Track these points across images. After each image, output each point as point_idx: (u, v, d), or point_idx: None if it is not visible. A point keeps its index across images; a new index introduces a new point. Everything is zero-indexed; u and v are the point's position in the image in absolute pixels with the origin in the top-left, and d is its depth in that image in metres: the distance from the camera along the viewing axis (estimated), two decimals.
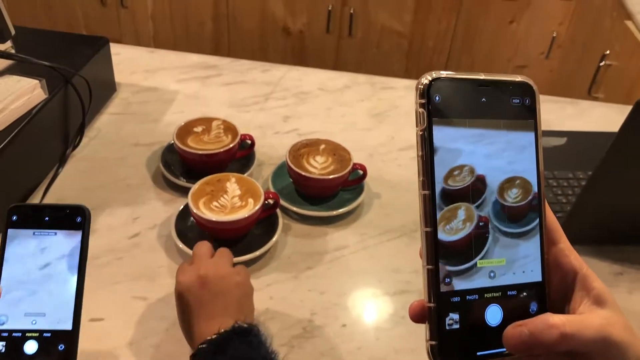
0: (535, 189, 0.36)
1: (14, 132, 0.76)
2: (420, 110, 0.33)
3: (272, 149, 0.94)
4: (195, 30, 2.24)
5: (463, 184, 0.34)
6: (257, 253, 0.73)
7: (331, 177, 0.80)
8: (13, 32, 0.77)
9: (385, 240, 0.80)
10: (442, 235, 0.34)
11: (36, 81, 0.81)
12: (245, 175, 0.79)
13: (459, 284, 0.34)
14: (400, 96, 1.11)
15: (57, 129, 0.87)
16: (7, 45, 0.86)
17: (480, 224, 0.35)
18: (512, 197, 0.36)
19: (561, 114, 1.10)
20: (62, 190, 0.83)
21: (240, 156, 0.88)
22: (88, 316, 0.66)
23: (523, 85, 0.36)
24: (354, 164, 0.82)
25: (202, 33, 2.25)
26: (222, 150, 0.82)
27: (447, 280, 0.34)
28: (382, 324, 0.69)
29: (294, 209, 0.81)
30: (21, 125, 0.77)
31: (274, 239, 0.75)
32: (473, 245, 0.35)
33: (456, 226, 0.34)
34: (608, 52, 1.67)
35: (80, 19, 2.29)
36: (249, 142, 0.89)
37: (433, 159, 0.33)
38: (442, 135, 0.33)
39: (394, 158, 0.95)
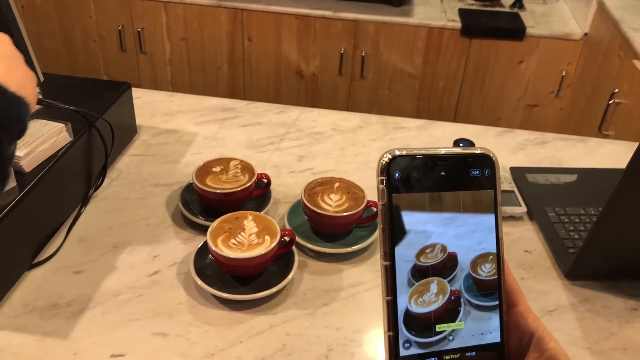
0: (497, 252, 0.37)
1: (40, 173, 0.79)
2: (381, 186, 0.35)
3: (287, 187, 0.97)
4: (211, 74, 2.31)
5: (435, 261, 0.36)
6: (274, 290, 0.75)
7: (346, 214, 0.81)
8: (42, 78, 0.81)
9: None
10: (414, 308, 0.35)
11: (62, 125, 0.84)
12: (262, 213, 0.81)
13: (419, 349, 0.35)
14: (412, 136, 1.14)
15: (81, 170, 0.90)
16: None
17: (452, 297, 0.36)
18: (485, 271, 0.37)
19: (571, 152, 1.12)
20: (84, 229, 0.86)
21: (257, 195, 0.91)
22: (109, 352, 0.68)
23: (483, 157, 0.37)
24: (368, 202, 0.84)
25: (218, 77, 2.31)
26: (239, 189, 0.85)
27: (407, 345, 0.35)
28: None
29: (310, 246, 0.82)
30: (48, 167, 0.80)
31: (290, 275, 0.77)
32: (442, 316, 0.36)
33: (429, 299, 0.36)
34: (617, 90, 1.70)
35: (101, 64, 2.37)
36: (265, 181, 0.91)
37: (393, 232, 0.35)
38: (411, 217, 0.35)
39: None
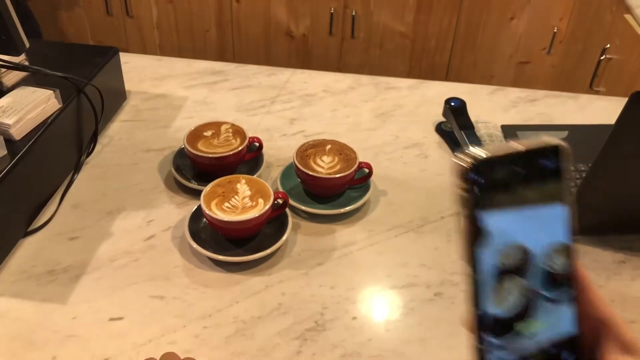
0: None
1: (31, 140, 0.78)
2: (464, 194, 0.33)
3: (279, 150, 0.97)
4: (200, 37, 2.28)
5: (514, 260, 0.35)
6: (269, 251, 0.76)
7: (338, 176, 0.82)
8: (27, 45, 0.80)
9: (393, 236, 0.82)
10: (497, 311, 0.34)
11: (51, 91, 0.83)
12: (255, 176, 0.82)
13: (503, 352, 0.35)
14: (403, 96, 1.13)
15: (72, 136, 0.89)
16: (21, 58, 0.89)
17: (531, 295, 0.35)
18: (559, 263, 0.37)
19: (562, 109, 1.12)
20: (78, 195, 0.86)
21: (249, 158, 0.91)
22: (107, 315, 0.69)
23: (556, 148, 0.35)
24: (360, 163, 0.85)
25: (207, 40, 2.28)
26: (231, 153, 0.85)
27: (493, 351, 0.35)
28: (391, 316, 0.71)
29: (303, 207, 0.83)
30: (38, 134, 0.80)
31: (284, 237, 0.77)
32: (520, 316, 0.35)
33: (509, 300, 0.35)
34: (608, 46, 1.69)
35: (88, 30, 2.33)
36: (257, 144, 0.91)
37: (478, 239, 0.33)
38: (489, 216, 0.33)
39: (399, 156, 0.97)
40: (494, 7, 2.08)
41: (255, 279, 0.75)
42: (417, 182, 0.92)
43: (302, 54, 2.26)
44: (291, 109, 1.08)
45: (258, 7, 2.17)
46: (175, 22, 2.25)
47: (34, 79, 0.90)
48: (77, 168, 0.90)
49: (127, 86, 1.10)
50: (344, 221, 0.84)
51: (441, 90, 1.16)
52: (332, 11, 2.12)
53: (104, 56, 0.98)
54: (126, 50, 1.23)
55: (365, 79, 1.18)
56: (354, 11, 2.11)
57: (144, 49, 2.32)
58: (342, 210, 0.83)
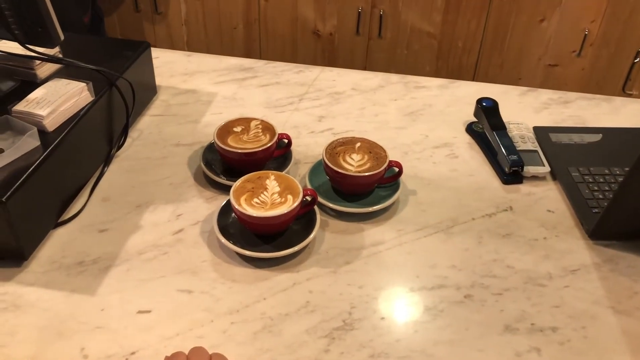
0: None
1: (64, 132, 0.79)
2: None
3: (307, 148, 0.96)
4: (227, 34, 2.28)
5: None
6: (297, 248, 0.75)
7: (367, 174, 0.81)
8: (62, 37, 0.80)
9: (422, 237, 0.81)
10: None
11: (84, 84, 0.84)
12: (283, 173, 0.81)
13: None
14: (433, 95, 1.12)
15: (103, 129, 0.90)
16: (55, 51, 0.90)
17: None
18: None
19: (595, 111, 1.10)
20: (108, 188, 0.87)
21: (278, 155, 0.91)
22: (136, 308, 0.69)
23: None
24: (390, 162, 0.84)
25: (234, 37, 2.29)
26: (261, 149, 0.85)
27: None
28: (419, 317, 0.70)
29: (331, 205, 0.82)
30: (70, 126, 0.80)
31: (313, 234, 0.77)
32: None
33: None
34: None
35: (117, 25, 2.35)
36: (286, 141, 0.91)
37: None
38: None
39: (429, 156, 0.96)
40: (523, 8, 2.05)
41: (282, 276, 0.74)
42: (447, 182, 0.91)
43: (329, 53, 2.26)
44: (319, 107, 1.07)
45: (285, 6, 2.17)
46: (204, 19, 2.26)
47: (67, 72, 0.91)
48: (107, 161, 0.91)
49: (157, 81, 1.10)
50: (373, 220, 0.83)
51: (471, 90, 1.14)
52: (359, 10, 2.12)
53: (136, 50, 0.99)
54: (154, 46, 1.23)
55: (394, 77, 1.17)
56: (381, 10, 2.10)
57: (171, 46, 2.34)
58: (371, 209, 0.82)
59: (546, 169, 0.92)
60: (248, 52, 2.30)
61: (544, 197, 0.89)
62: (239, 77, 1.15)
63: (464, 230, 0.82)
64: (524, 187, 0.90)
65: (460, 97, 1.12)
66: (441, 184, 0.90)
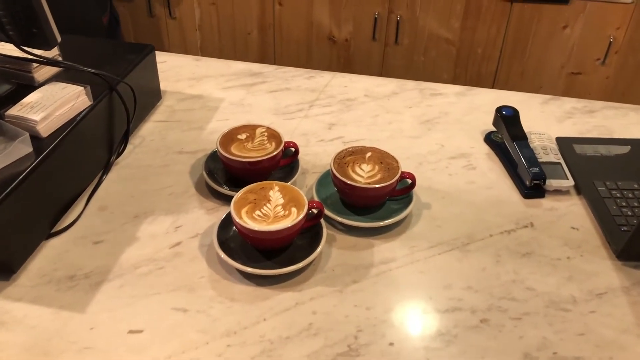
0: None
1: (58, 138, 0.75)
2: None
3: (316, 157, 0.91)
4: (241, 40, 2.25)
5: None
6: (301, 265, 0.70)
7: (378, 186, 0.76)
8: (59, 39, 0.77)
9: (436, 254, 0.75)
10: None
11: (81, 88, 0.80)
12: (289, 183, 0.77)
13: None
14: (450, 102, 1.07)
15: (102, 136, 0.86)
16: (54, 53, 0.87)
17: None
18: None
19: (623, 121, 1.03)
20: (105, 197, 0.83)
21: (284, 164, 0.86)
22: (127, 327, 0.65)
23: None
24: (402, 173, 0.79)
25: (248, 43, 2.26)
26: (265, 157, 0.80)
27: None
28: (432, 343, 0.64)
29: (339, 219, 0.78)
30: (66, 132, 0.76)
31: (318, 250, 0.72)
32: None
33: None
34: None
35: (131, 30, 2.33)
36: (293, 149, 0.86)
37: None
38: None
39: (445, 167, 0.91)
40: (545, 14, 1.99)
41: (284, 295, 0.69)
42: (464, 195, 0.85)
43: (344, 59, 2.21)
44: (330, 114, 1.02)
45: (300, 11, 2.13)
46: (218, 24, 2.23)
47: (67, 75, 0.87)
48: (106, 168, 0.87)
49: (163, 86, 1.07)
50: (383, 235, 0.78)
51: (490, 98, 1.09)
52: (376, 16, 2.07)
53: (139, 53, 0.95)
54: (167, 52, 1.20)
55: (409, 84, 1.12)
56: (398, 16, 2.05)
57: (185, 51, 2.31)
58: (382, 223, 0.77)
59: (570, 182, 0.86)
60: (262, 58, 2.27)
61: (568, 213, 0.83)
62: (248, 83, 1.11)
63: (481, 248, 0.76)
64: (546, 202, 0.85)
65: (479, 105, 1.07)
66: (457, 197, 0.85)
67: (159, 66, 1.12)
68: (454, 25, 2.05)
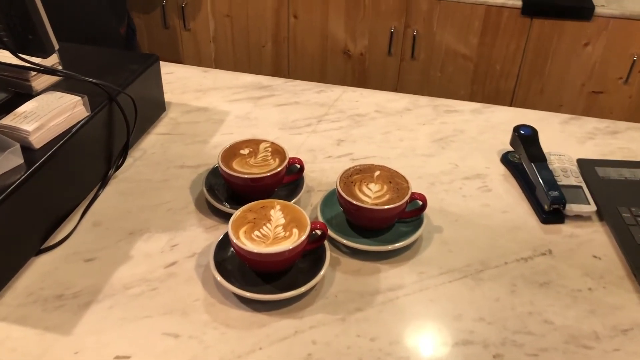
0: None
1: (51, 150, 0.72)
2: None
3: (322, 174, 0.87)
4: (255, 52, 2.23)
5: None
6: (302, 289, 0.66)
7: (386, 207, 0.71)
8: (56, 46, 0.74)
9: (447, 282, 0.70)
10: None
11: (78, 98, 0.77)
12: (292, 202, 0.72)
13: None
14: (465, 120, 1.02)
15: (100, 148, 0.83)
16: (54, 61, 0.84)
17: None
18: None
19: None
20: (101, 212, 0.79)
21: (288, 181, 0.82)
22: (113, 352, 0.61)
23: None
24: (413, 194, 0.74)
25: (262, 55, 2.23)
26: (268, 174, 0.76)
27: None
28: None
29: (344, 241, 0.73)
30: (60, 144, 0.73)
31: (321, 274, 0.67)
32: None
33: None
34: None
35: (145, 42, 2.32)
36: (298, 166, 0.82)
37: None
38: None
39: (458, 188, 0.86)
40: (566, 31, 1.94)
41: (283, 322, 0.65)
42: (478, 219, 0.80)
43: (358, 74, 2.18)
44: (339, 129, 0.98)
45: (315, 24, 2.10)
46: (232, 36, 2.21)
47: (67, 85, 0.84)
48: (103, 182, 0.83)
49: (168, 97, 1.04)
50: (391, 260, 0.73)
51: (508, 117, 1.04)
52: (392, 30, 2.03)
53: (143, 64, 0.92)
54: (181, 63, 1.17)
55: (423, 100, 1.08)
56: (415, 30, 2.02)
57: (199, 62, 2.30)
58: (390, 247, 0.73)
59: (592, 207, 0.81)
60: (276, 71, 2.24)
61: (589, 240, 0.78)
62: (255, 96, 1.07)
63: (496, 276, 0.71)
64: (566, 228, 0.79)
65: (496, 123, 1.02)
66: (471, 220, 0.80)
67: (166, 77, 1.09)
68: (472, 41, 2.00)
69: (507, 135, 0.93)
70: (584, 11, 1.89)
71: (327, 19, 2.08)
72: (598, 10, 1.87)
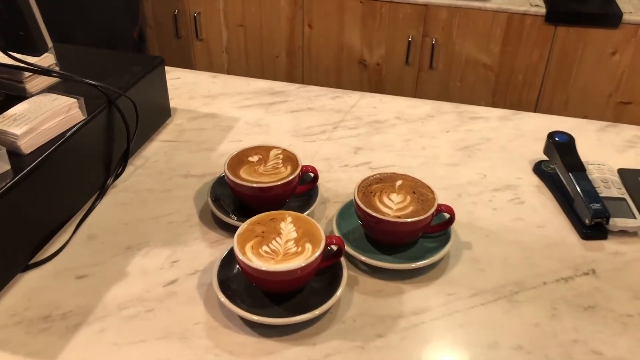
0: None
1: (42, 156, 0.66)
2: None
3: (338, 184, 0.80)
4: (269, 63, 2.18)
5: None
6: (317, 312, 0.58)
7: (410, 220, 0.64)
8: (50, 45, 0.68)
9: (479, 304, 0.63)
10: None
11: (73, 100, 0.71)
12: (305, 214, 0.65)
13: None
14: (492, 127, 0.95)
15: (98, 155, 0.76)
16: (50, 62, 0.78)
17: None
18: None
19: None
20: (97, 224, 0.72)
21: (301, 192, 0.75)
22: None
23: None
24: (439, 206, 0.67)
25: (276, 66, 2.18)
26: (279, 183, 0.69)
27: None
28: None
29: (363, 258, 0.66)
30: (51, 149, 0.67)
31: (337, 294, 0.60)
32: None
33: None
34: None
35: (157, 52, 2.28)
36: (312, 175, 0.75)
37: None
38: None
39: (488, 200, 0.78)
40: (592, 39, 1.85)
41: (294, 350, 0.57)
42: (511, 234, 0.73)
43: (375, 84, 2.11)
44: (356, 137, 0.91)
45: (331, 33, 2.05)
46: (245, 46, 2.16)
47: (64, 88, 0.78)
48: (101, 192, 0.77)
49: (175, 103, 0.97)
50: (415, 279, 0.66)
51: (538, 124, 0.96)
52: (410, 39, 1.97)
53: (146, 66, 0.86)
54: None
55: (446, 106, 1.01)
56: (433, 39, 1.95)
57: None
58: (413, 265, 0.65)
59: (638, 222, 0.72)
60: (290, 81, 2.18)
61: (637, 258, 0.69)
62: (267, 102, 1.01)
63: (533, 299, 0.63)
64: (610, 245, 0.71)
65: (526, 131, 0.94)
66: (503, 236, 0.72)
67: (172, 82, 1.04)
68: (493, 50, 1.93)
69: (539, 144, 0.85)
70: (611, 18, 1.80)
71: (342, 28, 2.02)
72: (626, 17, 1.79)
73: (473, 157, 0.87)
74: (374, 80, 2.10)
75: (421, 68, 2.02)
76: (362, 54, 2.05)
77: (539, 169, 0.84)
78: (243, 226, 0.62)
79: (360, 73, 2.09)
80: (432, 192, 0.68)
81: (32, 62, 0.73)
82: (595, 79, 1.92)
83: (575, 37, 1.86)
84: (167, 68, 0.97)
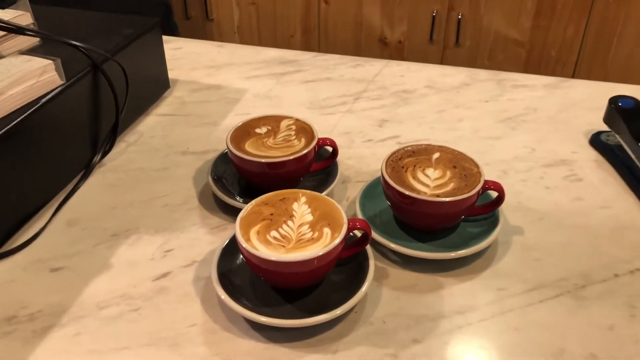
0: None
1: (7, 126, 0.55)
2: None
3: (361, 161, 0.69)
4: (283, 43, 2.07)
5: None
6: (338, 312, 0.47)
7: (450, 199, 0.52)
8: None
9: (537, 302, 0.51)
10: None
11: (48, 62, 0.60)
12: (323, 194, 0.54)
13: None
14: (539, 97, 0.82)
15: (81, 128, 0.66)
16: (28, 21, 0.68)
17: None
18: None
19: None
20: (79, 208, 0.62)
21: (318, 169, 0.63)
22: None
23: None
24: (486, 182, 0.55)
25: (291, 46, 2.07)
26: (291, 158, 0.58)
27: None
28: None
29: (393, 246, 0.54)
30: (21, 118, 0.56)
31: (362, 290, 0.49)
32: None
33: None
34: None
35: None
36: (331, 149, 0.64)
37: None
38: None
39: (539, 177, 0.66)
40: (634, 13, 1.71)
41: (310, 358, 0.46)
42: (570, 217, 0.61)
43: None
44: (381, 108, 0.80)
45: (349, 9, 1.93)
46: (258, 25, 2.06)
47: (44, 51, 0.68)
48: (86, 172, 0.67)
49: (176, 75, 0.87)
50: (457, 272, 0.54)
51: (592, 92, 0.84)
52: (434, 14, 1.84)
53: (139, 28, 0.75)
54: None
55: (483, 73, 0.88)
56: (460, 14, 1.82)
57: None
58: (454, 254, 0.54)
59: None
60: None
61: None
62: (278, 72, 0.89)
63: (604, 295, 0.52)
64: None
65: (578, 100, 0.82)
66: (561, 219, 0.60)
67: (173, 53, 0.93)
68: (524, 25, 1.80)
69: (594, 114, 0.73)
70: None
71: (361, 3, 1.90)
72: None
73: (518, 129, 0.75)
74: (395, 59, 1.97)
75: (446, 45, 1.90)
76: (383, 30, 1.93)
77: (597, 140, 0.71)
78: (247, 207, 0.51)
79: (381, 52, 1.97)
80: (477, 165, 0.56)
81: (5, 20, 0.62)
82: (637, 54, 1.78)
83: (614, 9, 1.72)
84: (167, 38, 0.87)
